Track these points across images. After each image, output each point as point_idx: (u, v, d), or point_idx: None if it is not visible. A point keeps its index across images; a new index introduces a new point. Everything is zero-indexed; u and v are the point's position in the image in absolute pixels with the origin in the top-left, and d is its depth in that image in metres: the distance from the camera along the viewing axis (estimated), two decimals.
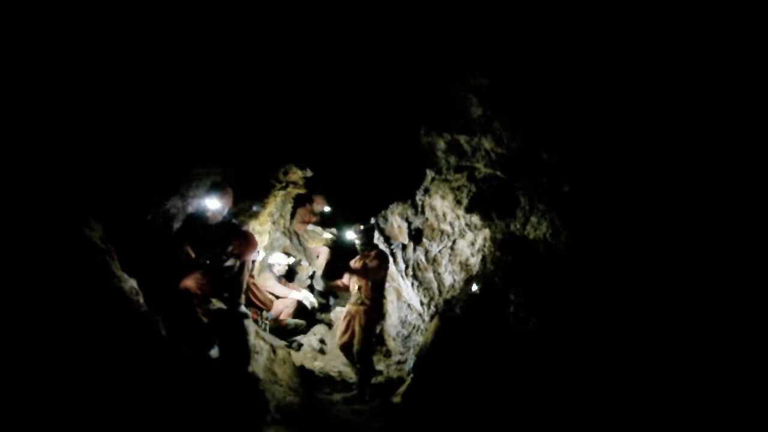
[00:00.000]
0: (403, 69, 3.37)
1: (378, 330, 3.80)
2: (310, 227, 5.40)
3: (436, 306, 4.08)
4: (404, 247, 4.38)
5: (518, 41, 2.58)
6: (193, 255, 2.93)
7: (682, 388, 1.98)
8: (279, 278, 4.79)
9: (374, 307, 3.52)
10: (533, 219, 3.24)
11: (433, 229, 4.11)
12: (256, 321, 4.18)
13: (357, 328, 3.50)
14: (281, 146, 3.92)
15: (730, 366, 1.89)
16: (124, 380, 1.74)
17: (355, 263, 3.67)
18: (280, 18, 2.76)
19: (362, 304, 3.52)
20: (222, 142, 3.15)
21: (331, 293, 5.82)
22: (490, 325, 3.15)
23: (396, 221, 4.42)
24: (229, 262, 3.00)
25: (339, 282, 3.87)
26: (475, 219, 3.69)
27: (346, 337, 3.60)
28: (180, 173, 2.98)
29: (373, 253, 3.63)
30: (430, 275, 4.16)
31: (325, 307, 5.52)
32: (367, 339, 3.48)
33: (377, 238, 4.38)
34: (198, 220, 2.97)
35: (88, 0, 2.05)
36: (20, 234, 1.71)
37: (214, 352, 2.80)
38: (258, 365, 2.98)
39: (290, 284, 4.98)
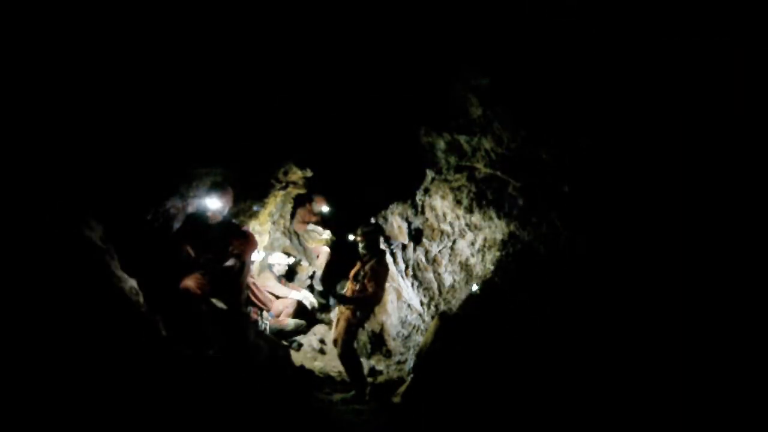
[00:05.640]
0: (403, 69, 3.37)
1: (359, 331, 3.68)
2: (310, 227, 5.40)
3: (436, 306, 4.08)
4: (404, 247, 4.38)
5: (518, 41, 2.58)
6: (193, 255, 2.93)
7: (681, 387, 1.98)
8: (279, 278, 4.79)
9: (357, 311, 3.38)
10: (533, 219, 3.24)
11: (433, 229, 4.11)
12: (256, 321, 4.19)
13: (340, 330, 3.40)
14: (281, 146, 3.92)
15: (729, 365, 1.89)
16: (124, 380, 1.74)
17: (353, 276, 3.50)
18: (280, 17, 2.76)
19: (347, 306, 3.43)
20: (222, 142, 3.15)
21: (331, 293, 5.82)
22: (490, 325, 3.15)
23: (396, 221, 4.42)
24: (229, 262, 3.00)
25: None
26: (475, 219, 3.69)
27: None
28: (180, 173, 2.98)
29: (371, 267, 3.37)
30: (430, 275, 4.16)
31: (325, 307, 5.52)
32: (347, 341, 3.36)
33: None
34: (198, 220, 2.97)
35: (88, 0, 2.05)
36: (20, 234, 1.71)
37: (214, 352, 2.80)
38: (258, 365, 2.98)
39: (290, 284, 4.98)
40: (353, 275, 3.51)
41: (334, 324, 3.64)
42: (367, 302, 3.36)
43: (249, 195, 4.00)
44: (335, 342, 3.52)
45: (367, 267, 3.41)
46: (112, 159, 2.42)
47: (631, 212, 2.49)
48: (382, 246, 4.02)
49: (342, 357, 3.40)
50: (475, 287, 3.57)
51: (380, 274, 3.39)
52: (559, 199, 2.96)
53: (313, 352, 4.41)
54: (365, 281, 3.35)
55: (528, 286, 3.14)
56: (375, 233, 3.59)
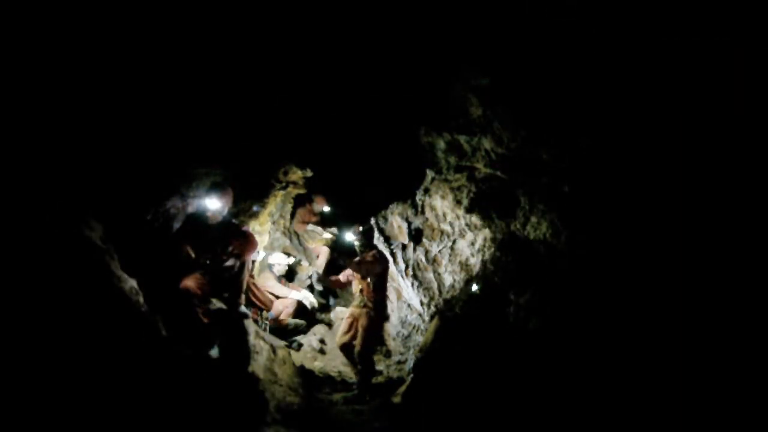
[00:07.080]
0: (403, 69, 3.37)
1: (380, 332, 3.86)
2: (310, 227, 5.40)
3: (436, 306, 4.08)
4: (404, 247, 4.37)
5: (518, 41, 2.58)
6: (193, 255, 2.93)
7: (681, 387, 1.98)
8: (279, 278, 4.79)
9: (376, 310, 3.55)
10: (533, 219, 3.24)
11: (433, 229, 4.11)
12: (256, 321, 4.19)
13: (359, 330, 3.54)
14: (281, 146, 3.92)
15: (729, 365, 1.89)
16: (124, 380, 1.74)
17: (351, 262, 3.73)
18: (280, 17, 2.76)
19: (365, 306, 3.55)
20: (222, 142, 3.15)
21: (331, 293, 5.82)
22: (490, 325, 3.15)
23: (396, 221, 4.42)
24: (229, 262, 3.00)
25: (336, 278, 4.04)
26: (475, 219, 3.69)
27: (347, 338, 3.62)
28: (180, 173, 2.98)
29: (370, 253, 3.69)
30: (430, 275, 4.16)
31: (325, 307, 5.52)
32: (368, 341, 3.51)
33: (377, 239, 4.39)
34: (198, 220, 2.97)
35: (88, 0, 2.05)
36: (20, 234, 1.71)
37: (214, 352, 2.80)
38: (258, 365, 2.98)
39: (290, 284, 4.98)
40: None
41: (342, 326, 3.69)
42: (369, 270, 3.55)
43: (249, 195, 4.00)
44: (348, 345, 3.60)
45: (368, 256, 3.66)
46: (112, 159, 2.42)
47: (631, 212, 2.49)
48: (376, 242, 4.32)
49: (361, 355, 3.49)
50: (475, 287, 3.58)
51: (378, 258, 3.66)
52: (559, 199, 2.96)
53: (313, 352, 4.41)
54: (364, 262, 3.61)
55: (528, 286, 3.14)
56: (370, 230, 3.96)
